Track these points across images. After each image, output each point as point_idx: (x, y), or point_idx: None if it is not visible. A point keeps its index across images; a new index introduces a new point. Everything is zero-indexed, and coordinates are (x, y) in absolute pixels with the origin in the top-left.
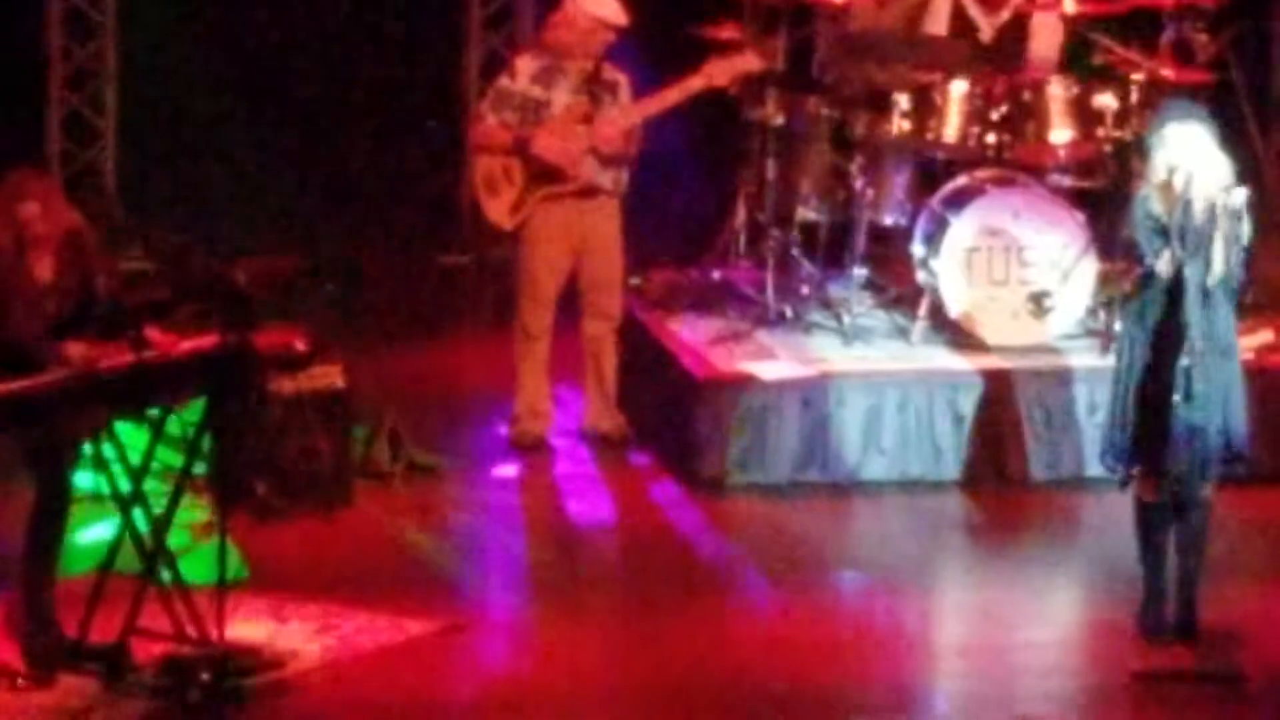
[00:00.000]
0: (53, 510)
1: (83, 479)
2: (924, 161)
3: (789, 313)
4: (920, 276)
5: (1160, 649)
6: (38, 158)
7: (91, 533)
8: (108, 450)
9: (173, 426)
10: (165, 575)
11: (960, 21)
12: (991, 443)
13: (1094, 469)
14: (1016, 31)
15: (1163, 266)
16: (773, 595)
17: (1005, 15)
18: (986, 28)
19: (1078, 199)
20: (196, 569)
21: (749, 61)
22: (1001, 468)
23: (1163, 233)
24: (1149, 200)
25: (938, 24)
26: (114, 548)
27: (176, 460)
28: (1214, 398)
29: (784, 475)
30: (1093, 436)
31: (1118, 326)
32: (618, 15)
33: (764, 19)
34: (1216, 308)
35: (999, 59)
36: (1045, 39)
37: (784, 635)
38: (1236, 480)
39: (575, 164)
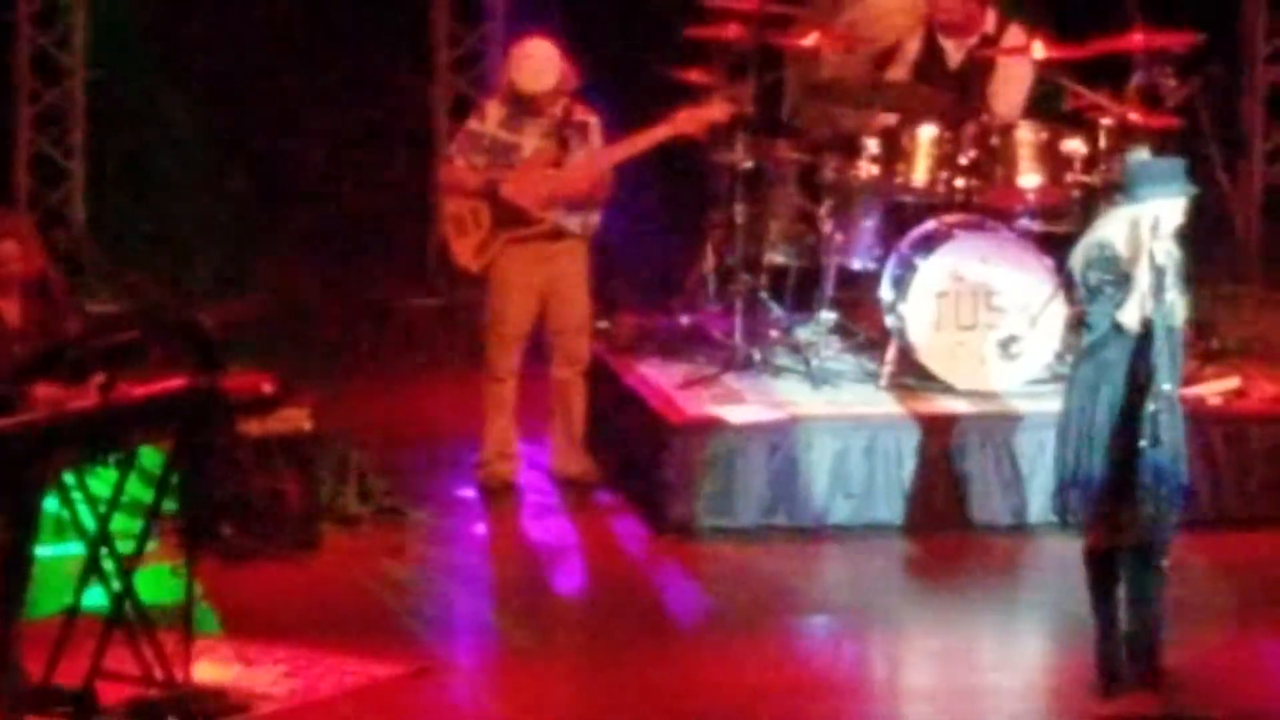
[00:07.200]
0: (17, 553)
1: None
2: (893, 206)
3: (757, 356)
4: (888, 320)
5: (1125, 694)
6: (5, 199)
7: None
8: (75, 493)
9: (142, 468)
10: (132, 617)
11: (930, 48)
12: (959, 487)
13: None
14: (982, 69)
15: (1128, 318)
16: (740, 639)
17: (972, 40)
18: (954, 52)
19: (1046, 243)
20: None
21: (717, 110)
22: (968, 512)
23: (1123, 281)
24: (1110, 247)
25: (906, 61)
26: (80, 590)
27: (145, 502)
28: (1179, 442)
29: (752, 519)
30: None
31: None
32: (533, 82)
33: (733, 63)
34: (1175, 351)
35: (963, 87)
36: (1010, 89)
37: (751, 679)
38: (1202, 523)
39: (543, 208)
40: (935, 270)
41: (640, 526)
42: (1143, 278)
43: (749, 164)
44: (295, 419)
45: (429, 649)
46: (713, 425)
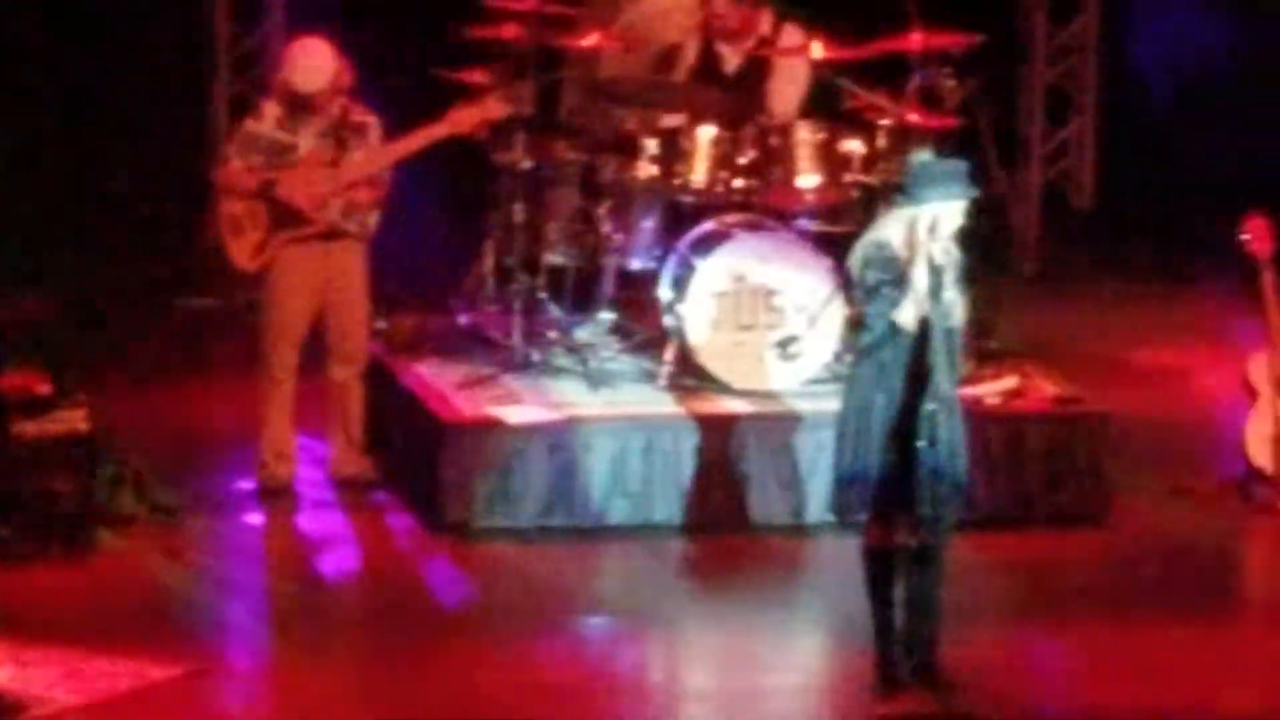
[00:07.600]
0: None
1: None
2: (672, 206)
3: (536, 357)
4: (667, 321)
5: (902, 694)
6: None
7: None
8: None
9: None
10: None
11: (706, 53)
12: (736, 487)
13: None
14: (759, 71)
15: (906, 318)
16: (517, 639)
17: (749, 43)
18: (730, 57)
19: (825, 244)
20: None
21: (493, 109)
22: (746, 512)
23: (901, 282)
24: (889, 247)
25: (684, 65)
26: None
27: None
28: (956, 441)
29: (530, 519)
30: None
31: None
32: (307, 81)
33: (512, 64)
34: (954, 351)
35: (740, 92)
36: (788, 89)
37: (529, 680)
38: (979, 523)
39: (319, 207)
40: (714, 270)
41: (418, 527)
42: (920, 278)
43: (528, 164)
44: (72, 419)
45: (204, 650)
46: (490, 426)
